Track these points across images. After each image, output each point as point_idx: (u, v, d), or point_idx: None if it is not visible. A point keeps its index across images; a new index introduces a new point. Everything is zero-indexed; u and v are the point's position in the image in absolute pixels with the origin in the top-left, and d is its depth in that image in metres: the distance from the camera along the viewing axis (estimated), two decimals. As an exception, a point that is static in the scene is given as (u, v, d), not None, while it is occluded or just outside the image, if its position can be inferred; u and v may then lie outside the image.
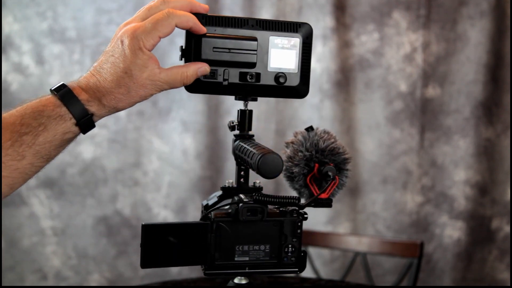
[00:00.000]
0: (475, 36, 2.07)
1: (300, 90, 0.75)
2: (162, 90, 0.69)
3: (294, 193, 0.78)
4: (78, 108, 0.66)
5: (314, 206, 0.76)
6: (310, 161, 0.76)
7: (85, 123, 0.67)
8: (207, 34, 0.69)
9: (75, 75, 2.08)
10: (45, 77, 2.07)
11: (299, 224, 0.75)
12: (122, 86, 0.66)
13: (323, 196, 0.76)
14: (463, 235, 2.13)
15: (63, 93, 0.66)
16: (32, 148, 0.65)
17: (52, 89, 0.67)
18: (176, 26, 0.67)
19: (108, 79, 0.66)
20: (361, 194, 2.17)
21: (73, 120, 0.66)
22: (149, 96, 0.68)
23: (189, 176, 2.14)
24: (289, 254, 0.75)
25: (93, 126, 0.68)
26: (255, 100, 0.76)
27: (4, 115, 0.66)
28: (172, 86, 0.69)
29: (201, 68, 0.70)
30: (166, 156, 2.14)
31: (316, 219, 2.11)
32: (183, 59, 0.71)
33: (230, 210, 0.73)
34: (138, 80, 0.66)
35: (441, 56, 2.10)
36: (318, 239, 1.78)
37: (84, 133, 0.68)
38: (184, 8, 0.68)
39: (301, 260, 0.76)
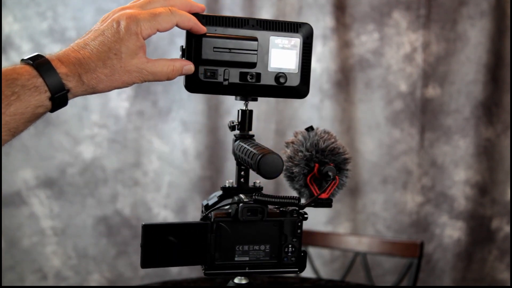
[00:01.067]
0: (475, 36, 2.07)
1: (301, 90, 0.75)
2: (146, 81, 0.68)
3: (294, 193, 0.78)
4: (56, 81, 0.61)
5: (314, 206, 0.76)
6: (310, 161, 0.76)
7: (60, 98, 0.62)
8: (207, 34, 0.69)
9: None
10: (45, 77, 2.07)
11: (299, 224, 0.75)
12: (107, 67, 0.64)
13: (323, 196, 0.76)
14: (463, 235, 2.13)
15: (40, 63, 0.61)
16: (2, 118, 0.59)
17: (26, 58, 0.63)
18: (177, 25, 0.67)
19: (94, 57, 0.63)
20: (361, 194, 2.17)
21: (48, 94, 0.61)
22: (131, 83, 0.66)
23: (189, 176, 2.14)
24: (289, 254, 0.75)
25: (66, 103, 0.64)
26: (255, 100, 0.76)
27: None
28: (156, 78, 0.68)
29: (187, 66, 0.69)
30: (166, 156, 2.14)
31: (316, 219, 2.11)
32: (183, 59, 0.71)
33: (230, 210, 0.73)
34: (125, 64, 0.64)
35: (441, 56, 2.11)
36: (318, 239, 1.78)
37: (53, 110, 0.64)
38: (183, 7, 0.68)
39: (301, 260, 0.76)
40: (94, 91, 0.65)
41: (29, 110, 0.61)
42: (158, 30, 0.66)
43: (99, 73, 0.64)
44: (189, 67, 0.70)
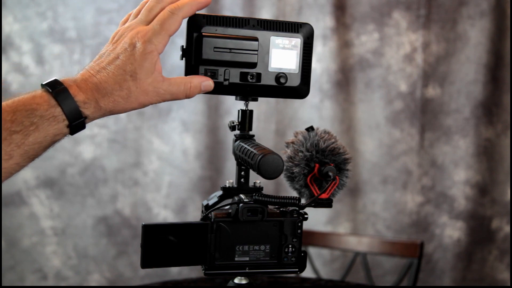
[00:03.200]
0: (475, 36, 2.07)
1: (301, 90, 0.75)
2: (164, 101, 0.67)
3: (294, 193, 0.78)
4: (73, 110, 0.62)
5: (315, 206, 0.76)
6: (310, 161, 0.76)
7: (77, 125, 0.64)
8: (208, 34, 0.69)
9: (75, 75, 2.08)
10: (45, 77, 2.07)
11: (299, 224, 0.75)
12: (124, 89, 0.64)
13: (324, 196, 0.76)
14: (463, 235, 2.13)
15: (58, 91, 0.62)
16: (21, 148, 0.61)
17: (44, 84, 0.63)
18: (183, 18, 0.67)
19: (110, 81, 0.64)
20: (361, 194, 2.17)
21: (66, 122, 0.63)
22: (148, 104, 0.66)
23: (189, 176, 2.14)
24: (289, 254, 0.75)
25: (84, 127, 0.65)
26: (256, 100, 0.76)
27: None
28: (174, 97, 0.68)
29: (205, 82, 0.69)
30: (166, 156, 2.14)
31: (316, 219, 2.11)
32: (184, 58, 0.71)
33: (230, 210, 0.73)
34: (141, 84, 0.65)
35: (441, 56, 2.10)
36: (318, 239, 1.78)
37: (72, 134, 0.65)
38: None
39: (301, 260, 0.76)
40: (111, 113, 0.66)
41: (47, 139, 0.62)
42: (170, 36, 0.66)
43: (116, 96, 0.64)
44: (208, 83, 0.69)
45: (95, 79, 0.64)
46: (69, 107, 0.62)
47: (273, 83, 0.73)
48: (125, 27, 0.67)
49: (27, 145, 0.61)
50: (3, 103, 0.61)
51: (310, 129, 0.79)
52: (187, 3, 0.67)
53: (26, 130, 0.60)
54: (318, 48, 2.09)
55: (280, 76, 0.73)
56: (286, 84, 0.73)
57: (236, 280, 0.78)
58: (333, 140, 0.77)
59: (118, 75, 0.64)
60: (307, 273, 1.84)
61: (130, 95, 0.65)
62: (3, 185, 2.04)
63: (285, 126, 2.14)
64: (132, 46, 0.64)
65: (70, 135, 0.65)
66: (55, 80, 0.63)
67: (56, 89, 0.62)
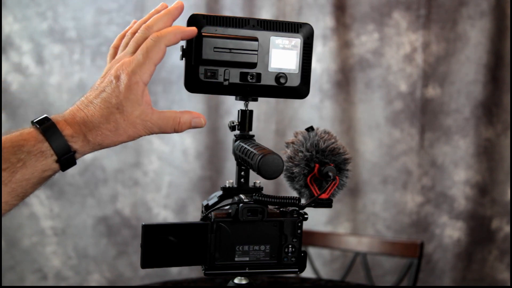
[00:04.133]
0: (475, 36, 2.07)
1: (301, 90, 0.75)
2: (152, 133, 0.66)
3: (294, 193, 0.78)
4: (61, 144, 0.61)
5: (314, 207, 0.76)
6: (310, 162, 0.76)
7: (67, 160, 0.62)
8: (208, 34, 0.69)
9: (75, 75, 2.08)
10: (45, 77, 2.07)
11: (299, 224, 0.75)
12: (111, 122, 0.63)
13: (324, 196, 0.76)
14: (463, 235, 2.13)
15: (46, 127, 0.61)
16: (8, 185, 0.59)
17: (35, 121, 0.63)
18: (167, 46, 0.65)
19: (97, 114, 0.63)
20: (361, 194, 2.17)
21: (55, 157, 0.61)
22: (137, 136, 0.65)
23: (189, 176, 2.14)
24: (289, 254, 0.75)
25: (74, 163, 0.64)
26: (256, 100, 0.76)
27: None
28: (163, 131, 0.67)
29: (196, 119, 0.69)
30: (166, 156, 2.14)
31: (316, 219, 2.11)
32: (184, 59, 0.71)
33: (230, 210, 0.73)
34: (128, 117, 0.64)
35: (441, 56, 2.11)
36: (318, 239, 1.78)
37: (63, 170, 0.64)
38: (167, 24, 0.67)
39: (301, 260, 0.76)
40: (101, 147, 0.65)
41: (35, 175, 0.61)
42: (155, 65, 0.65)
43: (104, 129, 0.63)
44: (199, 120, 0.69)
45: (83, 113, 0.63)
46: (57, 141, 0.61)
47: (273, 83, 0.73)
48: (114, 60, 0.67)
49: (14, 182, 0.60)
50: None
51: (310, 129, 0.79)
52: (170, 31, 0.65)
53: (13, 167, 0.59)
54: (318, 48, 2.09)
55: (280, 76, 0.73)
56: (286, 84, 0.73)
57: (236, 280, 0.78)
58: (333, 140, 0.77)
59: (104, 109, 0.63)
60: (307, 273, 1.84)
61: (118, 128, 0.64)
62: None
63: (285, 126, 2.14)
64: (117, 78, 0.64)
65: (62, 171, 0.64)
66: (45, 117, 0.63)
67: (43, 124, 0.62)
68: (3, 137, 0.61)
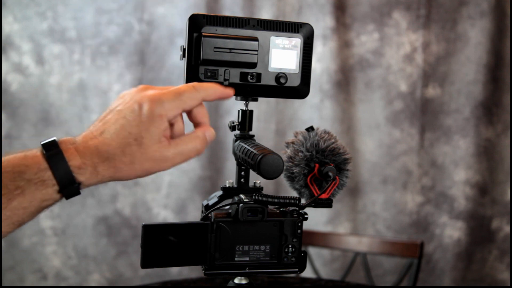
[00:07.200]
0: (475, 36, 2.07)
1: (301, 90, 0.75)
2: (173, 166, 0.61)
3: (294, 193, 0.78)
4: (65, 175, 0.56)
5: (315, 207, 0.76)
6: (310, 161, 0.76)
7: (70, 190, 0.57)
8: (208, 34, 0.69)
9: (75, 75, 2.08)
10: (45, 77, 2.07)
11: (299, 224, 0.75)
12: (127, 155, 0.57)
13: (324, 196, 0.76)
14: (463, 235, 2.13)
15: (52, 154, 0.56)
16: (3, 213, 0.55)
17: (42, 143, 0.57)
18: (203, 100, 0.62)
19: (113, 144, 0.57)
20: (361, 194, 2.17)
21: (57, 187, 0.56)
22: (155, 171, 0.60)
23: (189, 176, 2.14)
24: (289, 254, 0.75)
25: (78, 193, 0.58)
26: (256, 100, 0.76)
27: None
28: (185, 158, 0.62)
29: (208, 132, 0.64)
30: (166, 156, 2.14)
31: (316, 219, 2.11)
32: (184, 59, 0.71)
33: (230, 210, 0.73)
34: (146, 150, 0.58)
35: (441, 56, 2.11)
36: (318, 239, 1.78)
37: (67, 199, 0.59)
38: (214, 96, 0.64)
39: (301, 260, 0.76)
40: (112, 180, 0.59)
41: (34, 204, 0.56)
42: (183, 110, 0.61)
43: (118, 162, 0.57)
44: (211, 132, 0.65)
45: (97, 140, 0.58)
46: (61, 171, 0.56)
47: (273, 83, 0.73)
48: (140, 87, 0.62)
49: (9, 210, 0.55)
50: None
51: (310, 129, 0.79)
52: (211, 87, 0.63)
53: (10, 194, 0.55)
54: (318, 48, 2.09)
55: (280, 76, 0.73)
56: (286, 84, 0.73)
57: (236, 280, 0.78)
58: (333, 140, 0.77)
59: (121, 138, 0.57)
60: (307, 273, 1.84)
61: (133, 162, 0.58)
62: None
63: (285, 126, 2.14)
64: (139, 106, 0.58)
65: (66, 199, 0.59)
66: (53, 141, 0.58)
67: (50, 151, 0.57)
68: (5, 158, 0.57)
